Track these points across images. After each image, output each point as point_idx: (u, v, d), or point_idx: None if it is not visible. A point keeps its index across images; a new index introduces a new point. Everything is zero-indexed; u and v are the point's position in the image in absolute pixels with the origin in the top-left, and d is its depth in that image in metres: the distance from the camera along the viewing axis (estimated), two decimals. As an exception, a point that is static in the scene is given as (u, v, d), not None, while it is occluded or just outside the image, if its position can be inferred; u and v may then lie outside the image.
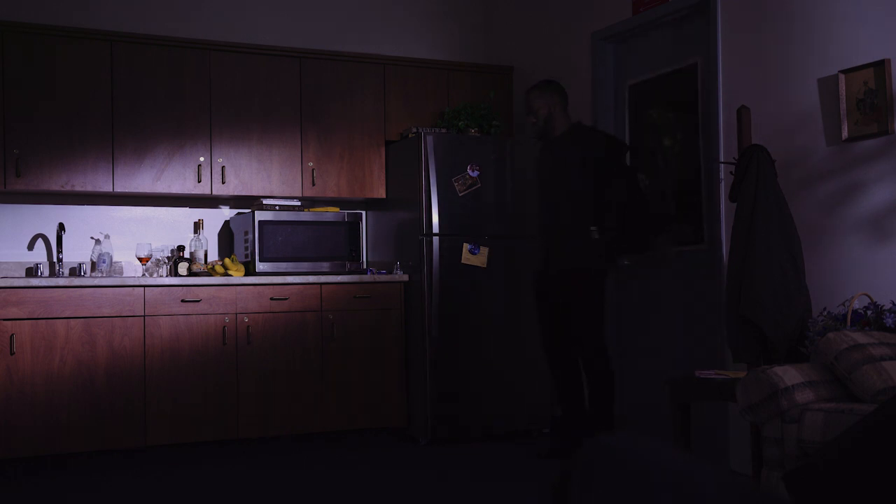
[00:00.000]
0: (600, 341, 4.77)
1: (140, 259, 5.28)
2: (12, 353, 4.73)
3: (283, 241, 5.48)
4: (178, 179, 5.41)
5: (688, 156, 4.94)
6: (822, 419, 3.01)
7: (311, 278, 5.38)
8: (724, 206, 4.55)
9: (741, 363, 4.10)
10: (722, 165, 4.52)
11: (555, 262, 4.85)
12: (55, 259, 5.35)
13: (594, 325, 4.75)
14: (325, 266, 5.58)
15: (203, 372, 5.11)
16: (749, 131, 4.13)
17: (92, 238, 5.47)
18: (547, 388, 5.75)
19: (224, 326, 5.17)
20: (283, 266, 5.47)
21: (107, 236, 5.41)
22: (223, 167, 5.50)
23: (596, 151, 4.79)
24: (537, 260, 5.00)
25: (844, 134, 3.94)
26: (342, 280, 5.46)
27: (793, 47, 4.23)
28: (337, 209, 5.75)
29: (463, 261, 5.53)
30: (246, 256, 5.51)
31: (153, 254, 5.53)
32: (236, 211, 5.84)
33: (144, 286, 5.01)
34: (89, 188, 5.22)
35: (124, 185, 5.29)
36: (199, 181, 5.45)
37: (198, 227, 5.62)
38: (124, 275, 5.51)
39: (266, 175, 5.61)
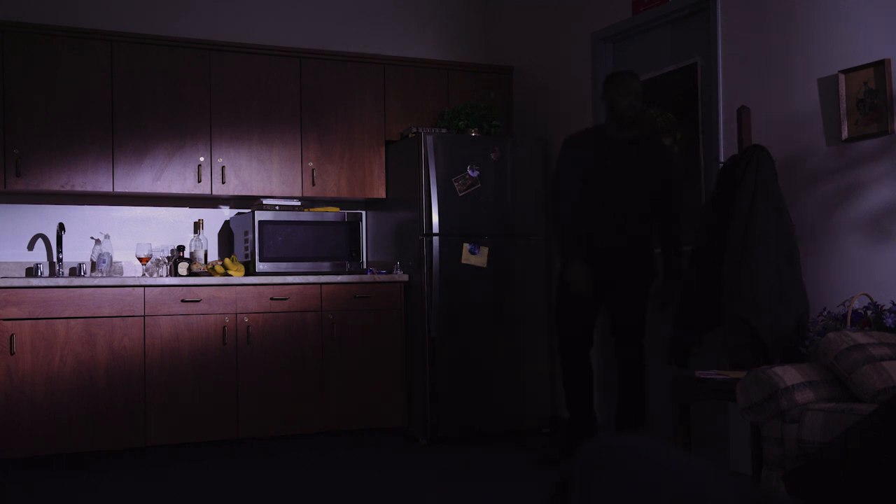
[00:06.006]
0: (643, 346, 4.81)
1: (140, 259, 5.29)
2: (12, 353, 4.73)
3: (283, 241, 5.48)
4: (178, 179, 5.41)
5: (687, 156, 4.94)
6: (822, 419, 3.01)
7: (311, 278, 5.38)
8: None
9: (737, 363, 4.09)
10: (722, 165, 4.51)
11: (618, 273, 4.71)
12: (55, 259, 5.35)
13: (643, 331, 4.78)
14: (325, 266, 5.58)
15: (203, 372, 5.11)
16: (749, 131, 4.12)
17: (92, 238, 5.47)
18: (547, 388, 5.75)
19: (224, 326, 5.17)
20: (283, 266, 5.48)
21: (107, 236, 5.42)
22: (223, 167, 5.50)
23: (669, 170, 4.72)
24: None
25: (844, 134, 3.94)
26: (342, 280, 5.46)
27: (793, 47, 4.23)
28: (337, 209, 5.75)
29: (463, 261, 5.53)
30: (246, 256, 5.51)
31: (153, 254, 5.53)
32: (236, 211, 5.84)
33: (144, 286, 5.01)
34: (89, 188, 5.22)
35: (124, 185, 5.29)
36: (199, 181, 5.45)
37: (198, 227, 5.62)
38: (124, 275, 5.51)
39: (266, 175, 5.62)
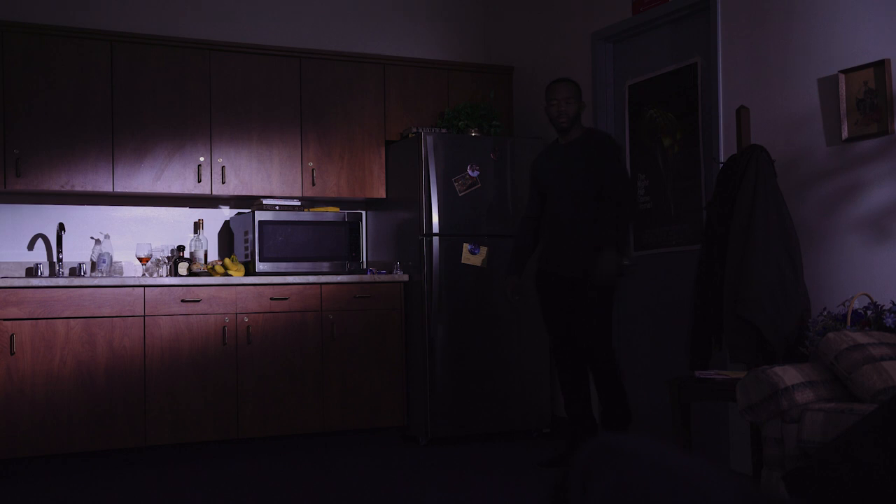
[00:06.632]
0: (610, 346, 4.72)
1: (140, 259, 5.29)
2: (12, 353, 4.73)
3: (283, 241, 5.48)
4: (178, 179, 5.41)
5: (688, 155, 4.94)
6: (822, 419, 3.01)
7: (311, 278, 5.38)
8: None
9: (740, 363, 4.10)
10: (722, 165, 4.51)
11: (566, 268, 4.73)
12: (55, 259, 5.35)
13: (604, 331, 4.69)
14: (325, 266, 5.58)
15: (203, 372, 5.11)
16: (748, 131, 4.12)
17: (92, 238, 5.47)
18: (547, 388, 5.75)
19: (224, 326, 5.17)
20: (283, 266, 5.48)
21: (107, 236, 5.42)
22: (223, 167, 5.50)
23: (604, 158, 4.69)
24: (542, 261, 4.86)
25: (844, 134, 3.94)
26: (342, 280, 5.46)
27: (793, 47, 4.23)
28: (337, 209, 5.75)
29: (463, 261, 5.53)
30: (246, 256, 5.51)
31: (153, 254, 5.53)
32: (236, 211, 5.84)
33: (144, 286, 5.01)
34: (89, 188, 5.22)
35: (124, 185, 5.29)
36: (199, 181, 5.45)
37: (198, 227, 5.62)
38: (124, 275, 5.51)
39: (266, 175, 5.62)
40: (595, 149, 4.73)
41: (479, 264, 5.55)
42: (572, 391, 4.82)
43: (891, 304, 3.50)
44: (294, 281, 5.34)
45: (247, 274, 5.45)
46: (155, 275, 5.49)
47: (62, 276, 5.28)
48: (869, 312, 3.53)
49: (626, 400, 4.75)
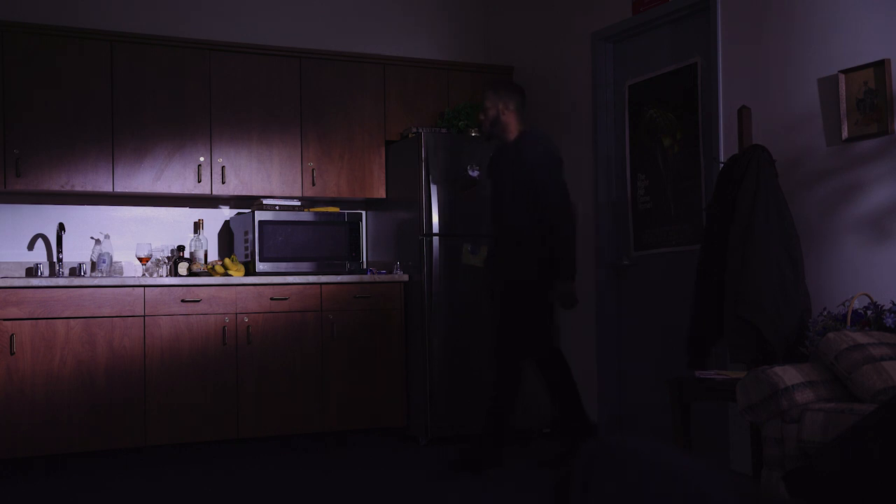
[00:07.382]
0: (508, 358, 4.68)
1: (140, 259, 5.29)
2: (12, 353, 4.73)
3: (283, 241, 5.48)
4: (178, 179, 5.41)
5: (688, 155, 4.94)
6: (822, 419, 3.01)
7: (311, 278, 5.38)
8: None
9: (740, 363, 4.10)
10: (722, 165, 4.51)
11: (496, 273, 4.77)
12: (55, 259, 5.35)
13: (509, 340, 4.67)
14: (324, 266, 5.58)
15: (203, 372, 5.11)
16: (749, 131, 4.12)
17: (92, 238, 5.47)
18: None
19: (224, 326, 5.17)
20: (283, 266, 5.48)
21: (107, 236, 5.42)
22: (223, 167, 5.50)
23: (526, 166, 4.64)
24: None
25: (844, 134, 3.94)
26: (342, 280, 5.46)
27: (793, 47, 4.23)
28: (337, 209, 5.75)
29: (463, 261, 5.53)
30: (246, 256, 5.51)
31: (153, 254, 5.53)
32: (236, 211, 5.84)
33: (144, 286, 5.01)
34: (89, 188, 5.22)
35: (124, 185, 5.29)
36: (199, 181, 5.45)
37: (198, 227, 5.62)
38: (124, 275, 5.51)
39: (266, 175, 5.62)
40: (519, 154, 4.70)
41: (479, 264, 5.55)
42: (552, 392, 4.86)
43: (891, 304, 3.50)
44: (294, 281, 5.34)
45: (247, 274, 5.45)
46: (155, 275, 5.49)
47: (62, 276, 5.28)
48: (869, 312, 3.53)
49: (504, 419, 4.70)
